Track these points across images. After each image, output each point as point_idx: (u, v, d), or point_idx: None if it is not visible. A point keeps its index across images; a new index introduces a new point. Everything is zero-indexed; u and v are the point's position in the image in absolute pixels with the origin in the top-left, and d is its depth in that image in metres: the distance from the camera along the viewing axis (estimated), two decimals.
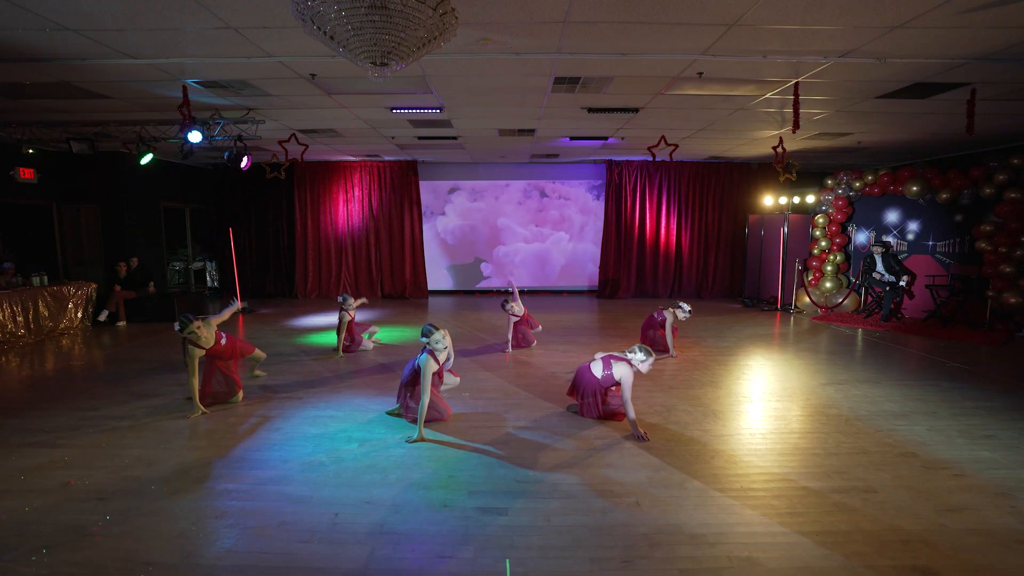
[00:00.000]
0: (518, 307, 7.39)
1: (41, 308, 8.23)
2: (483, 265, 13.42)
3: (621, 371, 4.47)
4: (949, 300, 9.03)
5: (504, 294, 13.30)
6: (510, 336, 7.41)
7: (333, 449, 4.10)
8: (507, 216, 13.28)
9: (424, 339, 4.42)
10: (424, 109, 7.38)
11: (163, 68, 5.44)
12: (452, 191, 13.18)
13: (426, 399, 4.28)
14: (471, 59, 5.24)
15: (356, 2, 3.04)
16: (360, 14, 3.10)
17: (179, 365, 6.60)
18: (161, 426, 4.57)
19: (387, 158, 12.39)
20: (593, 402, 4.69)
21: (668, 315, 7.02)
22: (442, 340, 4.40)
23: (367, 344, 7.45)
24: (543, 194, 13.24)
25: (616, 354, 4.64)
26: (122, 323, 9.43)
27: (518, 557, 2.78)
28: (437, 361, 4.44)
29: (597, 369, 4.62)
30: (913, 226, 10.07)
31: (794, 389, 5.66)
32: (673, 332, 7.12)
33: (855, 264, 10.92)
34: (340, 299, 7.15)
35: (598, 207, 13.23)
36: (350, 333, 7.31)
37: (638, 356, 4.46)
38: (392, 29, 3.20)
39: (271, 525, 3.06)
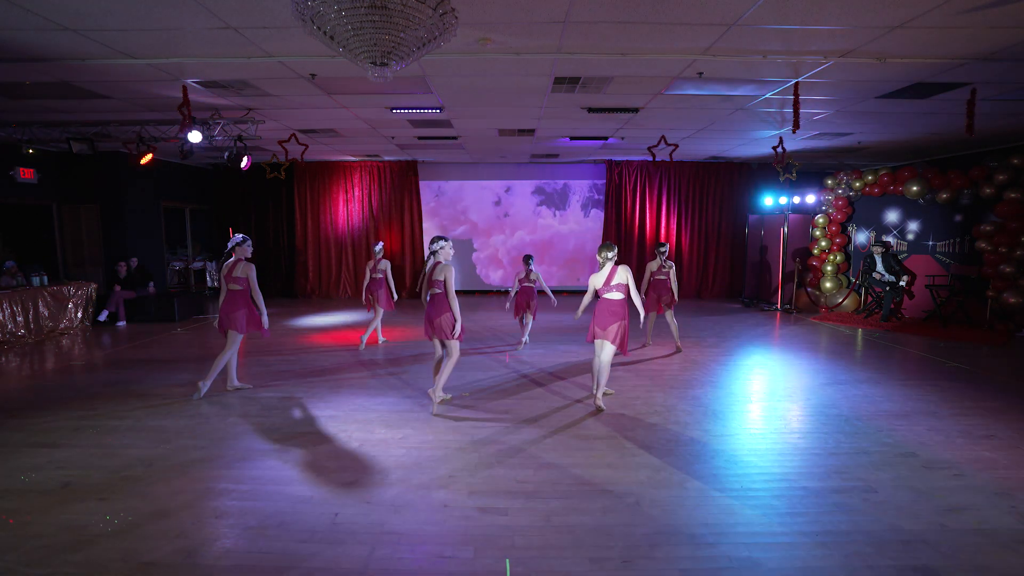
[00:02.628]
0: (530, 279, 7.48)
1: (41, 308, 8.23)
2: (483, 265, 13.42)
3: (623, 275, 4.92)
4: (949, 300, 9.03)
5: (504, 294, 13.30)
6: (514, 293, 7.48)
7: (333, 449, 4.10)
8: (507, 216, 13.27)
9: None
10: (424, 109, 7.39)
11: (163, 68, 5.44)
12: (446, 192, 13.19)
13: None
14: (471, 59, 5.24)
15: (356, 2, 3.04)
16: (360, 14, 3.10)
17: (178, 365, 6.60)
18: (161, 426, 4.57)
19: (387, 158, 12.39)
20: (621, 327, 4.90)
21: (669, 268, 7.20)
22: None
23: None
24: (543, 194, 13.24)
25: (607, 279, 4.96)
26: (122, 323, 9.43)
27: (518, 557, 2.77)
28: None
29: (613, 295, 4.93)
30: (913, 226, 10.07)
31: (794, 389, 5.66)
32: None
33: (855, 264, 10.92)
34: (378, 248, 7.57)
35: (598, 207, 13.23)
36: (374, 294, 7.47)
37: (611, 254, 4.97)
38: (392, 29, 3.20)
39: (271, 525, 3.06)
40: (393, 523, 3.08)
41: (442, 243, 4.87)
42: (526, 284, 7.35)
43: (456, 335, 4.82)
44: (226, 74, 5.73)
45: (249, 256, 5.38)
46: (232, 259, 5.31)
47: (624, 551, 2.82)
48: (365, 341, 7.53)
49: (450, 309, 4.81)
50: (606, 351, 4.94)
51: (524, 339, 7.61)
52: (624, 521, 3.10)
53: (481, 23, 4.37)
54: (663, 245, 7.31)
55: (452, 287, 4.80)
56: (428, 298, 4.91)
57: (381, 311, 7.56)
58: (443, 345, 5.01)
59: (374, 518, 3.13)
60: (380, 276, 7.48)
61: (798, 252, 11.38)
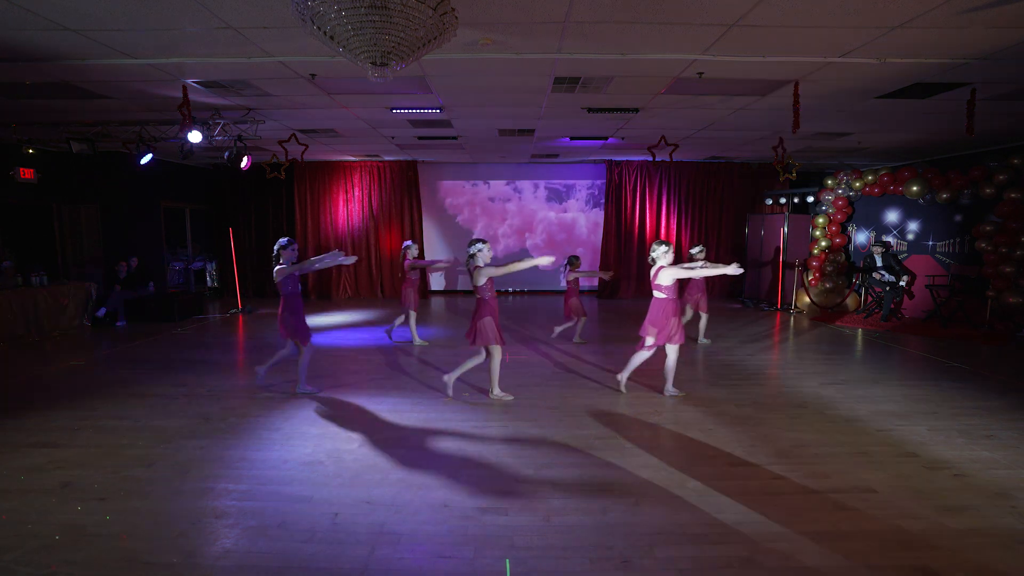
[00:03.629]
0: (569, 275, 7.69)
1: (41, 308, 8.23)
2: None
3: (662, 276, 5.04)
4: (949, 300, 9.03)
5: (501, 294, 13.30)
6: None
7: (333, 449, 4.10)
8: (507, 216, 13.27)
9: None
10: (424, 109, 7.38)
11: (163, 68, 5.44)
12: (446, 192, 13.19)
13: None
14: (471, 59, 5.24)
15: (356, 2, 3.04)
16: (360, 14, 3.11)
17: (178, 365, 6.60)
18: (161, 426, 4.57)
19: (387, 158, 12.39)
20: (676, 324, 5.13)
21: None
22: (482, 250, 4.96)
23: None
24: (542, 194, 13.24)
25: (652, 277, 5.16)
26: (122, 323, 9.42)
27: (518, 557, 2.77)
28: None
29: (657, 294, 5.13)
30: (913, 226, 10.07)
31: (794, 389, 5.66)
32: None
33: (855, 264, 10.92)
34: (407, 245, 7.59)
35: (598, 207, 13.23)
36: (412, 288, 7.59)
37: (654, 254, 5.10)
38: (392, 29, 3.20)
39: (271, 525, 3.06)
40: (393, 523, 3.08)
41: (479, 246, 4.94)
42: (572, 284, 7.66)
43: (547, 265, 4.78)
44: (226, 74, 5.73)
45: (294, 260, 5.31)
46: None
47: (624, 551, 2.82)
48: (416, 338, 7.77)
49: (489, 313, 4.94)
50: (670, 352, 5.22)
51: (576, 338, 7.88)
52: (624, 521, 3.10)
53: (481, 23, 4.37)
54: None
55: (501, 270, 4.84)
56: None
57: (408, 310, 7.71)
58: (486, 351, 5.13)
59: (374, 518, 3.13)
60: (410, 276, 7.58)
61: (798, 252, 11.38)
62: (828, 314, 10.29)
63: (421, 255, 12.88)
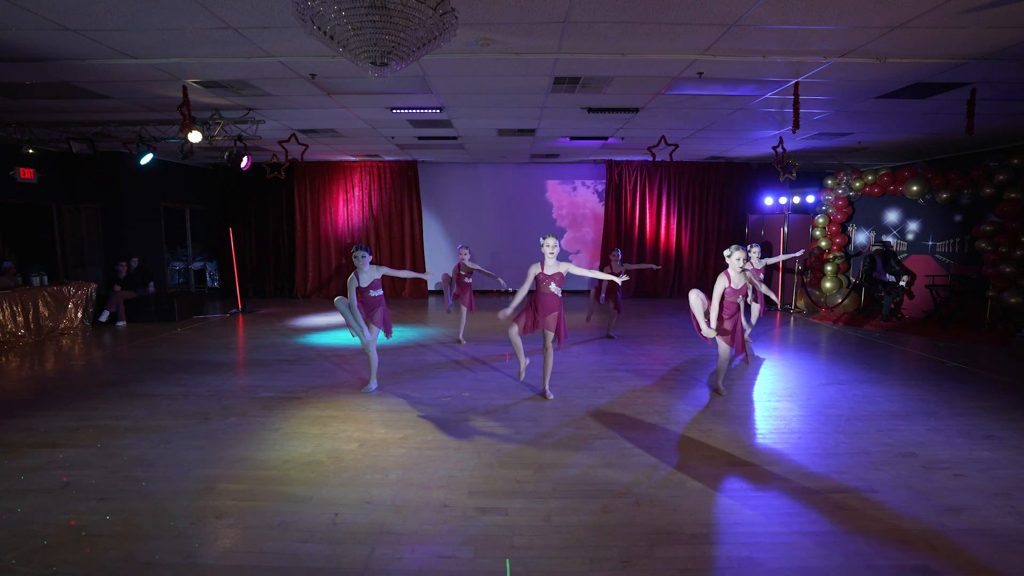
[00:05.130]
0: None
1: (41, 308, 8.23)
2: (482, 265, 13.42)
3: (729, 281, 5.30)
4: (949, 300, 9.03)
5: (500, 294, 13.29)
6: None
7: (333, 449, 4.10)
8: (506, 217, 13.27)
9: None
10: (424, 109, 7.38)
11: (163, 68, 5.44)
12: (446, 192, 13.19)
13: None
14: (471, 59, 5.24)
15: (356, 2, 3.04)
16: (360, 14, 3.11)
17: (178, 365, 6.60)
18: (161, 426, 4.57)
19: (387, 158, 12.39)
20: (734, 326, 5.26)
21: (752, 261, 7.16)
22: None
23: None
24: (542, 195, 13.23)
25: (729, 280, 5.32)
26: (122, 323, 9.43)
27: (518, 557, 2.77)
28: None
29: (736, 294, 5.30)
30: (913, 226, 10.06)
31: (794, 389, 5.66)
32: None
33: (855, 264, 10.92)
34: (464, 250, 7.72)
35: (598, 207, 13.23)
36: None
37: (730, 255, 5.29)
38: (392, 29, 3.20)
39: (271, 525, 3.06)
40: (393, 523, 3.08)
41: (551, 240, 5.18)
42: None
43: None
44: (226, 74, 5.73)
45: (362, 266, 5.59)
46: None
47: (624, 551, 2.82)
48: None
49: (558, 309, 5.09)
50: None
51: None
52: (624, 521, 3.10)
53: (481, 23, 4.37)
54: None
55: (575, 269, 5.20)
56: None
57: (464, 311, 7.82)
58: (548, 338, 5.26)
59: (374, 518, 3.13)
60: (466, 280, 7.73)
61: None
62: (828, 314, 10.29)
63: (421, 256, 12.90)
